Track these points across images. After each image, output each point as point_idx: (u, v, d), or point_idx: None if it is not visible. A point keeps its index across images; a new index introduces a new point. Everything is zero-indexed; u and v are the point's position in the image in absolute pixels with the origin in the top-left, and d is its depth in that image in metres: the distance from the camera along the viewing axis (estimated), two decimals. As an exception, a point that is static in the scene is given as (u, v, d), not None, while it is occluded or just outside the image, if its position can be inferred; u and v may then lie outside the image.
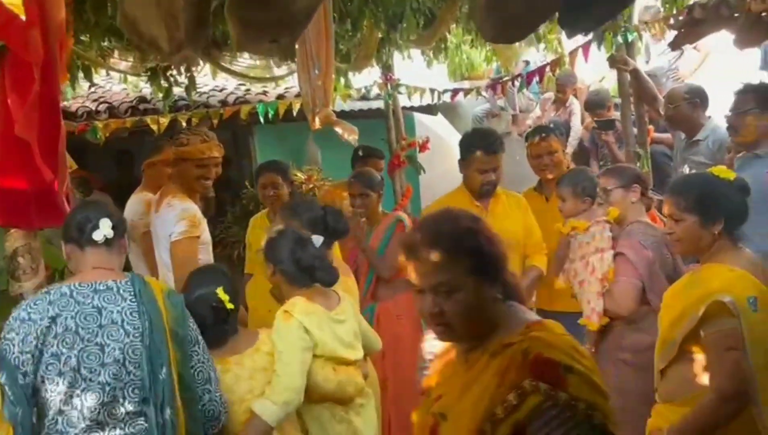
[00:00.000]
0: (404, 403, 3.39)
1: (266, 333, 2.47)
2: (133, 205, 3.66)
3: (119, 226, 2.13)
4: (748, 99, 3.15)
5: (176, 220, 3.06)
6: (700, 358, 2.16)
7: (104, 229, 2.07)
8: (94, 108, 5.82)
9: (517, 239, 3.40)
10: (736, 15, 2.92)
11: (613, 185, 2.97)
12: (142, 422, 1.95)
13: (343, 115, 6.75)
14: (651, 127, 4.77)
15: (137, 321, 1.98)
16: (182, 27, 1.90)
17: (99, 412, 1.90)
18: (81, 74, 4.41)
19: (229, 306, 2.33)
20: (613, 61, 4.39)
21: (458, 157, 3.62)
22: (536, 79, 5.12)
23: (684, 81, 5.71)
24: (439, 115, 8.28)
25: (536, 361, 1.31)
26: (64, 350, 1.89)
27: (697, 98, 4.42)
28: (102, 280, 2.02)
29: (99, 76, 5.65)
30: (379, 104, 6.81)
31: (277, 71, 6.40)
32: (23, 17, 2.22)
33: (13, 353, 1.88)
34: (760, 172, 2.95)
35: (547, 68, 5.06)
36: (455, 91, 6.03)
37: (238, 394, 2.30)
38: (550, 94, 7.07)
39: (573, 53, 4.72)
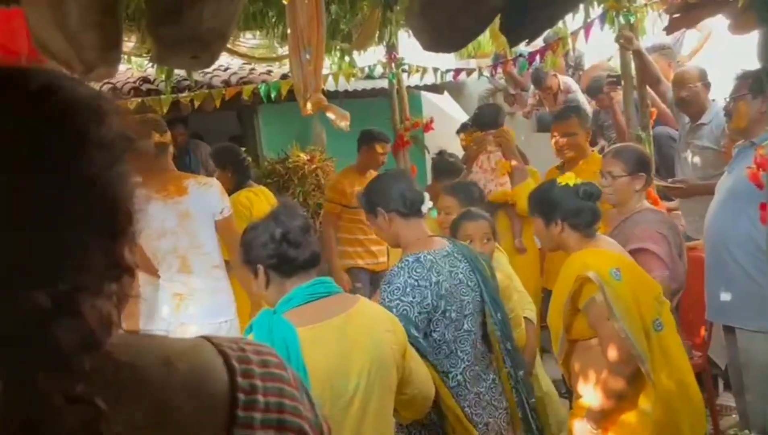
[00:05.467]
0: None
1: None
2: None
3: None
4: (744, 84, 3.11)
5: (220, 196, 3.26)
6: (591, 344, 2.36)
7: (427, 202, 2.44)
8: (97, 88, 5.84)
9: None
10: (731, -1, 2.85)
11: (620, 172, 3.03)
12: (490, 356, 2.39)
13: (347, 94, 6.73)
14: (654, 109, 4.69)
15: (473, 277, 2.35)
16: (89, 48, 1.90)
17: (470, 353, 2.30)
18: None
19: None
20: (618, 37, 4.31)
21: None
22: (538, 59, 5.04)
23: (683, 63, 5.59)
24: (446, 94, 8.21)
25: None
26: (447, 307, 2.24)
27: (708, 80, 4.34)
28: (441, 247, 2.37)
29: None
30: (384, 83, 6.76)
31: (281, 51, 6.37)
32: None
33: (413, 313, 2.18)
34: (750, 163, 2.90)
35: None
36: (458, 71, 5.97)
37: None
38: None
39: (575, 34, 4.63)
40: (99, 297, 0.65)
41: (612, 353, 2.26)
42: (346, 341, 1.83)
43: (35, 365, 0.60)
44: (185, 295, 3.12)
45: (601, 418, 2.31)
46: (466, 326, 2.30)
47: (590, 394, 2.35)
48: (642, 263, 2.74)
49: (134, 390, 0.68)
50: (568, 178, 2.52)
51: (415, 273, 2.22)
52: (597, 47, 6.54)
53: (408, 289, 2.18)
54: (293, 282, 1.88)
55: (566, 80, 6.67)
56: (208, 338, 0.78)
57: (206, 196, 3.17)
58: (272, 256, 1.87)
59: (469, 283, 2.34)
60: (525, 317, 2.93)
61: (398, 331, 1.97)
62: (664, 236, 2.86)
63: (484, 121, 4.50)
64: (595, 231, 2.50)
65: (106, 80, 6.07)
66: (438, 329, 2.25)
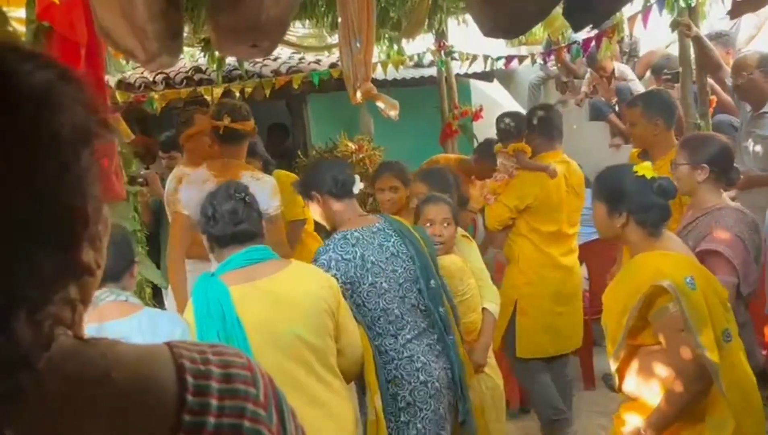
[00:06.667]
0: None
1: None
2: (169, 181, 3.58)
3: None
4: None
5: (271, 195, 3.15)
6: (654, 349, 2.18)
7: (358, 184, 2.62)
8: (151, 78, 5.96)
9: None
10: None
11: (681, 161, 2.83)
12: (428, 319, 2.53)
13: (396, 82, 6.70)
14: (713, 97, 4.53)
15: (406, 250, 2.51)
16: (152, 38, 1.91)
17: (407, 315, 2.48)
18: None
19: None
20: (675, 24, 4.16)
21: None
22: (593, 45, 4.91)
23: (740, 49, 5.37)
24: (496, 82, 8.10)
25: None
26: (376, 279, 2.44)
27: (768, 68, 4.16)
28: (371, 224, 2.55)
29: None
30: (432, 72, 6.72)
31: (330, 40, 6.38)
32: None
33: (338, 284, 2.34)
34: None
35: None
36: (509, 58, 5.87)
37: None
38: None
39: (632, 19, 4.50)
40: (45, 307, 0.60)
41: (684, 367, 2.09)
42: (276, 296, 2.11)
43: None
44: None
45: (662, 430, 2.15)
46: (400, 293, 2.48)
47: (651, 403, 2.18)
48: (709, 266, 2.56)
49: (59, 413, 0.61)
50: (646, 169, 2.29)
51: (339, 249, 2.44)
52: (652, 33, 6.35)
53: (333, 263, 2.41)
54: (229, 250, 2.17)
55: (622, 68, 6.47)
56: (170, 346, 0.70)
57: (256, 191, 3.14)
58: (203, 231, 2.21)
59: (401, 254, 2.51)
60: (485, 308, 3.03)
61: (334, 286, 2.24)
62: (741, 239, 2.63)
63: (499, 132, 4.07)
64: (662, 230, 2.30)
65: (159, 70, 6.19)
66: (371, 299, 2.44)
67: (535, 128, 3.92)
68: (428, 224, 2.91)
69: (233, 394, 0.68)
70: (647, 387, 2.20)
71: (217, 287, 2.06)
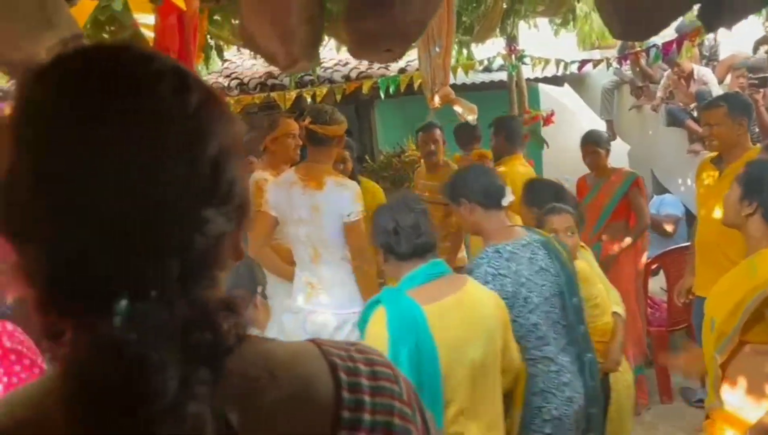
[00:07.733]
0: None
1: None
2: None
3: None
4: None
5: (354, 200, 3.20)
6: (763, 349, 2.07)
7: (508, 196, 2.55)
8: (226, 84, 6.10)
9: None
10: None
11: None
12: (569, 336, 2.48)
13: (465, 87, 6.67)
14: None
15: (552, 265, 2.48)
16: (298, 43, 1.93)
17: (550, 330, 2.44)
18: (214, 53, 4.65)
19: None
20: (758, 44, 4.02)
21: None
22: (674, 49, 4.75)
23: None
24: (566, 86, 7.96)
25: None
26: (529, 294, 2.41)
27: None
28: (520, 237, 2.52)
29: (229, 51, 5.92)
30: (502, 76, 6.65)
31: (400, 44, 6.40)
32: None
33: None
34: None
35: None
36: (583, 62, 5.75)
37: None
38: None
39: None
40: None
41: None
42: (465, 314, 2.10)
43: (196, 360, 0.58)
44: (316, 284, 3.20)
45: None
46: (546, 308, 2.44)
47: (756, 408, 2.08)
48: None
49: (242, 403, 0.62)
50: None
51: (494, 262, 2.40)
52: (733, 36, 6.11)
53: (489, 278, 2.36)
54: (411, 263, 2.16)
55: (703, 71, 6.22)
56: (317, 344, 0.72)
57: (339, 196, 3.18)
58: (384, 244, 2.19)
59: (549, 269, 2.46)
60: (615, 312, 3.01)
61: (503, 306, 2.23)
62: None
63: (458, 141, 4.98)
64: None
65: (234, 76, 6.34)
66: (523, 314, 2.39)
67: (500, 135, 4.38)
68: (552, 234, 2.84)
69: (381, 391, 0.69)
70: (750, 391, 2.09)
71: (411, 306, 2.07)
